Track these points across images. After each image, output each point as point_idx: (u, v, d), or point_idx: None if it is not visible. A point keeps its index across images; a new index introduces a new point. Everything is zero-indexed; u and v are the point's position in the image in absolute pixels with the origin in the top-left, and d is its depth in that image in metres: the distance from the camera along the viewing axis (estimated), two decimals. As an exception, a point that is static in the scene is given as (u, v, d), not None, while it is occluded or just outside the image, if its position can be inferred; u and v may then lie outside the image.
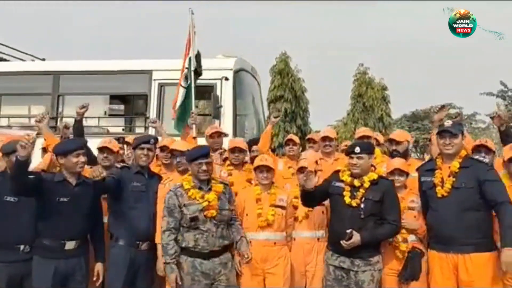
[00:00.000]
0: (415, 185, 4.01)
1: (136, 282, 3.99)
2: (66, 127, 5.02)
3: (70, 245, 3.69)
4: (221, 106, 6.81)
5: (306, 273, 4.11)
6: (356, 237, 3.61)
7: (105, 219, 4.11)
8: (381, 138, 5.47)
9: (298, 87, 18.72)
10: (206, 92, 7.19)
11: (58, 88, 7.33)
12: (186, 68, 5.71)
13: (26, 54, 9.33)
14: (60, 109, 7.37)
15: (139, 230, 3.97)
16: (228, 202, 3.86)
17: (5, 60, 8.74)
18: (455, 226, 3.56)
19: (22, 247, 3.75)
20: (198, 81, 6.95)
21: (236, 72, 7.12)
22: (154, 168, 4.51)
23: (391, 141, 4.73)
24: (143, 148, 4.15)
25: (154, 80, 7.09)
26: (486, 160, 3.95)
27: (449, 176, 3.65)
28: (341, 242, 3.63)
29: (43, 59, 9.54)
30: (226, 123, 6.75)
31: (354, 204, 3.72)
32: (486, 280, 3.49)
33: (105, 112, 7.52)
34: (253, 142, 5.38)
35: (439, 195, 3.66)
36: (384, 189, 3.75)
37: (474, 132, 22.64)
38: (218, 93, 6.86)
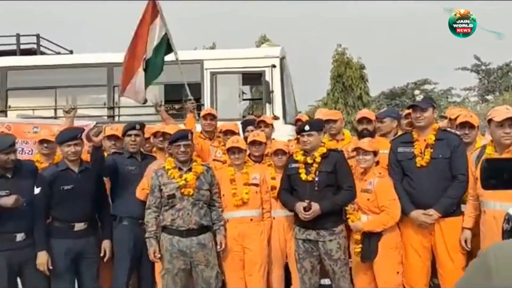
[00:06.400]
0: (385, 161, 4.17)
1: (142, 259, 4.18)
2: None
3: (79, 226, 3.96)
4: (272, 91, 7.40)
5: (287, 250, 4.30)
6: (315, 207, 3.83)
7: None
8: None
9: (278, 70, 19.23)
10: (254, 78, 7.80)
11: (113, 79, 7.64)
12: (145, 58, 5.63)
13: (57, 45, 9.54)
14: (116, 100, 7.72)
15: (139, 210, 4.14)
16: (208, 184, 4.06)
17: (37, 52, 8.86)
18: (432, 194, 3.84)
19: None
20: (246, 69, 7.56)
21: (282, 60, 7.70)
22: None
23: (362, 120, 4.81)
24: (130, 135, 4.34)
25: (206, 69, 7.57)
26: (459, 132, 4.16)
27: (426, 148, 3.92)
28: (302, 214, 3.85)
29: (71, 52, 9.75)
30: (276, 107, 7.37)
31: (309, 178, 3.97)
32: (458, 242, 3.84)
33: (161, 101, 7.90)
34: (247, 122, 5.50)
35: (418, 165, 3.91)
36: (335, 160, 4.00)
37: (450, 107, 23.23)
38: (268, 79, 7.42)
